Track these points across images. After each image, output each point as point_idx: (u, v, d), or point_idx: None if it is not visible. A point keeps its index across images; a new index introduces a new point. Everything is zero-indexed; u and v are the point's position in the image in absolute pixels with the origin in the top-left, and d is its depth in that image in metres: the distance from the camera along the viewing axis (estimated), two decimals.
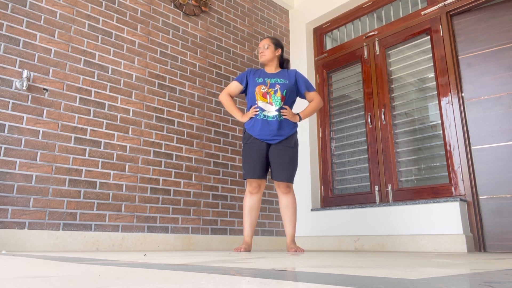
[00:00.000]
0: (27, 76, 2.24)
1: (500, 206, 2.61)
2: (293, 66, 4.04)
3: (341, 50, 3.80)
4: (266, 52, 2.63)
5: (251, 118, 2.50)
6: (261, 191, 2.53)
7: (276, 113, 2.47)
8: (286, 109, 2.49)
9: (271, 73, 2.64)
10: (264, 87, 2.55)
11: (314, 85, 3.92)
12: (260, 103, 2.51)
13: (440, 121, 3.01)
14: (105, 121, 2.58)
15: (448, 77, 2.99)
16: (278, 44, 2.68)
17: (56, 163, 2.32)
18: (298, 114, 2.56)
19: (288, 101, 2.55)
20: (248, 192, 2.51)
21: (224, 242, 3.03)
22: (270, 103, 2.49)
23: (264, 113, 2.49)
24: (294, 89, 2.60)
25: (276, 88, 2.53)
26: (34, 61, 2.35)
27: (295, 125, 2.56)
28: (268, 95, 2.52)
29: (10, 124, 2.20)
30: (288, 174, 2.47)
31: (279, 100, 2.50)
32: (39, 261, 1.12)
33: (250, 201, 2.49)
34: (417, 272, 0.78)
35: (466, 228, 2.65)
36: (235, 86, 2.62)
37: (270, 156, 2.48)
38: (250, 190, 2.50)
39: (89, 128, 2.50)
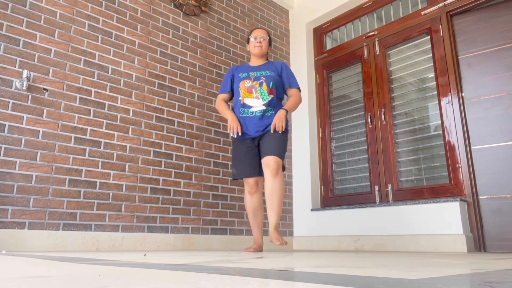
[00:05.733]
0: (27, 76, 2.24)
1: (500, 206, 2.61)
2: (293, 66, 4.04)
3: (341, 50, 3.80)
4: (264, 44, 2.52)
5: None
6: (259, 189, 2.42)
7: (264, 107, 2.36)
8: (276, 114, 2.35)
9: (256, 65, 2.51)
10: (248, 81, 2.41)
11: (313, 85, 3.92)
12: (246, 100, 2.39)
13: (440, 121, 3.01)
14: (105, 121, 2.58)
15: (448, 77, 2.99)
16: (271, 41, 2.63)
17: (56, 163, 2.32)
18: (283, 108, 2.38)
19: (277, 94, 2.44)
20: (247, 192, 2.42)
21: (224, 242, 3.03)
22: (257, 97, 2.37)
23: (251, 109, 2.36)
24: (281, 81, 2.46)
25: (261, 81, 2.40)
26: (34, 61, 2.35)
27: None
28: (253, 89, 2.38)
29: (10, 124, 2.19)
30: (277, 149, 2.29)
31: (266, 93, 2.37)
32: (39, 261, 1.12)
33: (252, 202, 2.41)
34: (417, 272, 0.78)
35: (466, 228, 2.65)
36: (222, 98, 2.51)
37: (260, 143, 2.38)
38: (249, 189, 2.41)
39: (89, 128, 2.50)
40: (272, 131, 2.33)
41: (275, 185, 2.27)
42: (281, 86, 2.48)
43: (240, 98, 2.42)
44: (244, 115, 2.40)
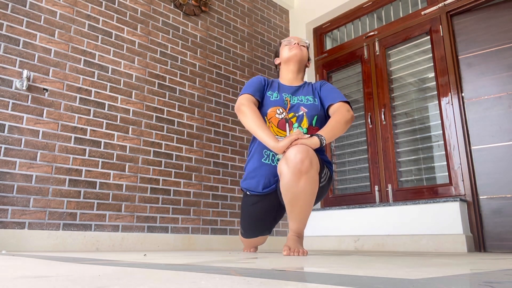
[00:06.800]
0: (27, 76, 2.24)
1: (500, 206, 2.61)
2: None
3: (341, 50, 3.80)
4: (304, 49, 1.84)
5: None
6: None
7: None
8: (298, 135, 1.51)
9: (292, 86, 1.79)
10: (281, 110, 1.68)
11: None
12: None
13: (440, 121, 3.01)
14: (105, 121, 2.58)
15: (448, 77, 2.99)
16: (309, 55, 1.92)
17: (56, 163, 2.32)
18: (317, 135, 1.53)
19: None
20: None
21: (224, 242, 3.03)
22: None
23: (279, 156, 1.65)
24: (323, 110, 1.75)
25: (300, 113, 1.67)
26: (34, 61, 2.35)
27: (321, 158, 1.67)
28: (287, 125, 1.66)
29: (10, 124, 2.20)
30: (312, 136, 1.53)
31: (306, 134, 1.60)
32: (39, 261, 1.12)
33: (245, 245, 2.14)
34: (417, 272, 0.77)
35: (466, 228, 2.65)
36: (250, 97, 1.67)
37: None
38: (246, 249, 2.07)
39: (89, 128, 2.50)
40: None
41: (297, 189, 1.43)
42: (325, 118, 1.74)
43: None
44: (266, 160, 1.71)
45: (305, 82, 1.85)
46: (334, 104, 1.69)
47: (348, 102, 1.71)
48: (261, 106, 1.73)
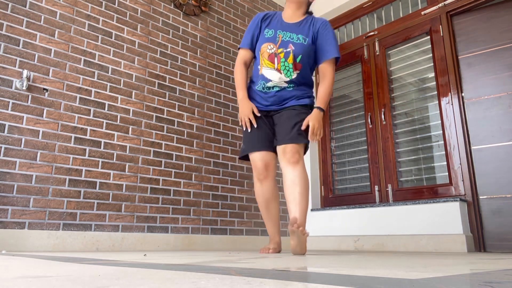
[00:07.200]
0: (27, 76, 2.24)
1: (500, 206, 2.61)
2: None
3: (341, 50, 3.80)
4: None
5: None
6: (271, 175, 1.98)
7: (285, 85, 1.90)
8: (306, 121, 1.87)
9: (289, 23, 1.95)
10: (271, 46, 1.89)
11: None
12: (265, 70, 1.90)
13: (440, 121, 3.01)
14: (105, 121, 2.58)
15: (448, 77, 2.99)
16: None
17: (56, 163, 2.32)
18: (318, 107, 1.88)
19: (306, 70, 1.93)
20: (256, 180, 1.99)
21: (224, 242, 3.03)
22: (278, 70, 1.87)
23: (268, 84, 1.91)
24: (314, 51, 1.94)
25: (288, 50, 1.87)
26: (34, 61, 2.35)
27: (310, 96, 2.00)
28: (276, 59, 1.88)
29: (10, 124, 2.19)
30: (295, 135, 1.85)
31: (291, 69, 1.87)
32: (39, 261, 1.12)
33: (262, 191, 1.99)
34: (417, 272, 0.78)
35: (466, 228, 2.65)
36: (243, 55, 2.00)
37: (275, 121, 1.98)
38: (257, 175, 1.96)
39: (89, 128, 2.50)
40: (302, 129, 1.86)
41: (295, 174, 1.81)
42: (313, 58, 1.95)
43: (259, 67, 1.93)
44: (259, 88, 1.96)
45: (306, 18, 1.97)
46: (323, 64, 1.94)
47: (336, 58, 1.94)
48: (256, 43, 2.01)
